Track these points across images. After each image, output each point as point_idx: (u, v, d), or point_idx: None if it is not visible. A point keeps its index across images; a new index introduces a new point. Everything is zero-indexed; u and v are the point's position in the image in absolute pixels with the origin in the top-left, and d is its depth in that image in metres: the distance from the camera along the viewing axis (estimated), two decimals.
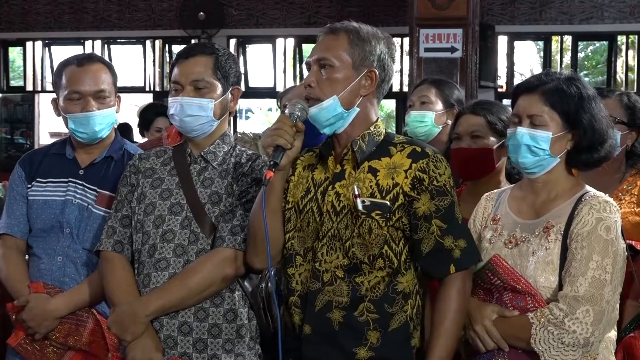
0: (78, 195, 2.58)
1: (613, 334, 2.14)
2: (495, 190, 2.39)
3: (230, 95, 2.42)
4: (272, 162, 2.02)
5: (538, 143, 2.12)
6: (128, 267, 2.35)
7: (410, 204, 2.03)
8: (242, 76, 2.47)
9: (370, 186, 2.05)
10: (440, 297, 2.06)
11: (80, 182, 2.60)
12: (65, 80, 2.58)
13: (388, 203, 2.02)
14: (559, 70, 2.23)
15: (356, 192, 2.02)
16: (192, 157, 2.41)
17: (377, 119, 2.15)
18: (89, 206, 2.57)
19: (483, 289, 2.16)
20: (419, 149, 2.07)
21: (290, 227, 2.15)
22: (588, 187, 2.19)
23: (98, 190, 2.59)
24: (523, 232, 2.17)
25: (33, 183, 2.64)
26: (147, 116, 5.22)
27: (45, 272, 2.56)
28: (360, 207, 2.01)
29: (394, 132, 2.21)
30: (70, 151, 2.66)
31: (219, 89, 2.37)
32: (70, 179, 2.61)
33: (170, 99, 2.38)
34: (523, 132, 2.14)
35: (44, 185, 2.63)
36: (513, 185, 2.36)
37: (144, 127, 5.22)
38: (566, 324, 1.99)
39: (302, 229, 2.12)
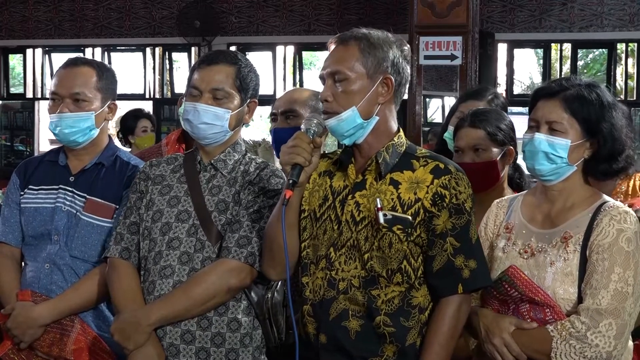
0: (67, 202, 2.55)
1: (630, 343, 2.10)
2: (506, 197, 2.35)
3: (246, 108, 2.40)
4: (291, 181, 1.99)
5: (556, 150, 2.08)
6: (134, 275, 2.34)
7: (430, 220, 2.01)
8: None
9: (392, 199, 2.02)
10: (433, 317, 2.03)
11: (70, 188, 2.56)
12: (52, 82, 2.59)
13: (410, 218, 2.00)
14: (578, 77, 2.17)
15: (379, 205, 1.99)
16: (202, 164, 2.38)
17: (399, 129, 2.13)
18: (78, 213, 2.54)
19: (498, 300, 2.12)
20: (442, 166, 2.04)
21: (306, 236, 2.12)
22: (606, 197, 2.14)
23: (87, 197, 2.55)
24: (539, 242, 2.13)
25: (25, 190, 2.61)
26: (129, 123, 5.40)
27: (33, 279, 2.52)
28: (382, 220, 1.99)
29: (414, 144, 2.17)
30: (62, 158, 2.63)
31: (237, 100, 2.35)
32: (61, 186, 2.57)
33: (186, 103, 2.36)
34: (541, 138, 2.10)
35: (35, 192, 2.60)
36: (525, 192, 2.32)
37: (129, 132, 5.37)
38: (589, 338, 1.95)
39: (316, 237, 2.10)
